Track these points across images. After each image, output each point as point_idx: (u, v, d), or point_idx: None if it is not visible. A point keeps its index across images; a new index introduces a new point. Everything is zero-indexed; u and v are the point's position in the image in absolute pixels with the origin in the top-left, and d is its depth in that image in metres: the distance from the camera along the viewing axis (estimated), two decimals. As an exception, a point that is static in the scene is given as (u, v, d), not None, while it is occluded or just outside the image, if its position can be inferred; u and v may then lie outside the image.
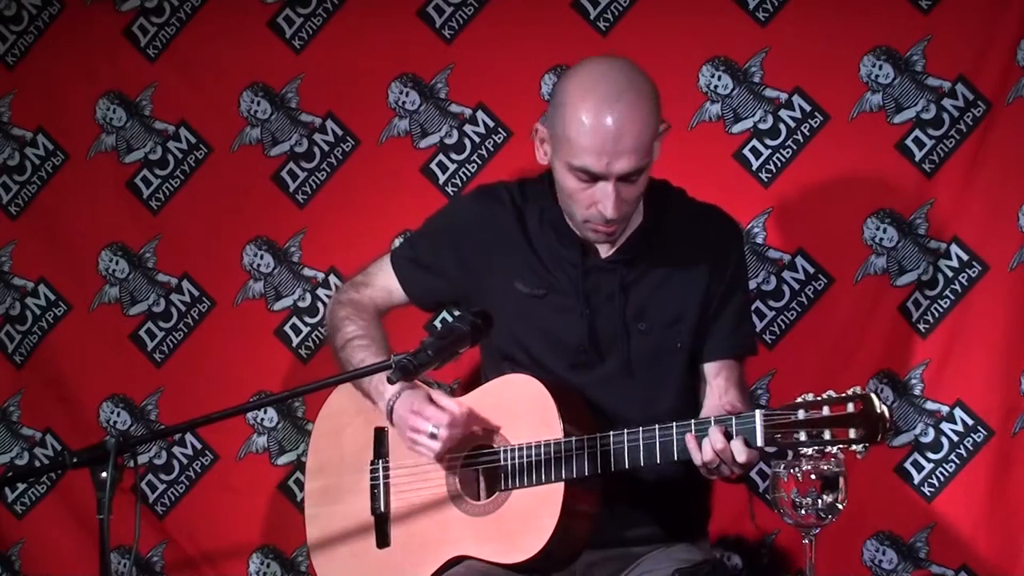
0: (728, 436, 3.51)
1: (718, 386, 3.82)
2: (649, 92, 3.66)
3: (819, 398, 3.43)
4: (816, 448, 3.41)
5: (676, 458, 3.58)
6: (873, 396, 3.40)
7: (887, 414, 3.39)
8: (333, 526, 3.93)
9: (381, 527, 3.88)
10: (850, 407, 3.40)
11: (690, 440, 3.54)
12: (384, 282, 4.00)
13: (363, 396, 3.88)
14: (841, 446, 3.40)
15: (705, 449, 3.53)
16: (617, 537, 3.80)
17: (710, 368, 3.84)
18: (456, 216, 3.97)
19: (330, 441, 3.98)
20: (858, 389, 3.41)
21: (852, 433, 3.39)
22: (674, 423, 3.58)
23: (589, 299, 3.79)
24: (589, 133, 3.62)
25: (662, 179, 3.84)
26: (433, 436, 3.73)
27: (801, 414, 3.43)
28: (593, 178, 3.66)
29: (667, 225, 3.81)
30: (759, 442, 3.48)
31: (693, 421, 3.57)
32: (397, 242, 4.52)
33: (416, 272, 3.97)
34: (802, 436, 3.42)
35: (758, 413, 3.50)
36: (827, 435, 3.40)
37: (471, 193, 4.00)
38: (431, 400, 3.75)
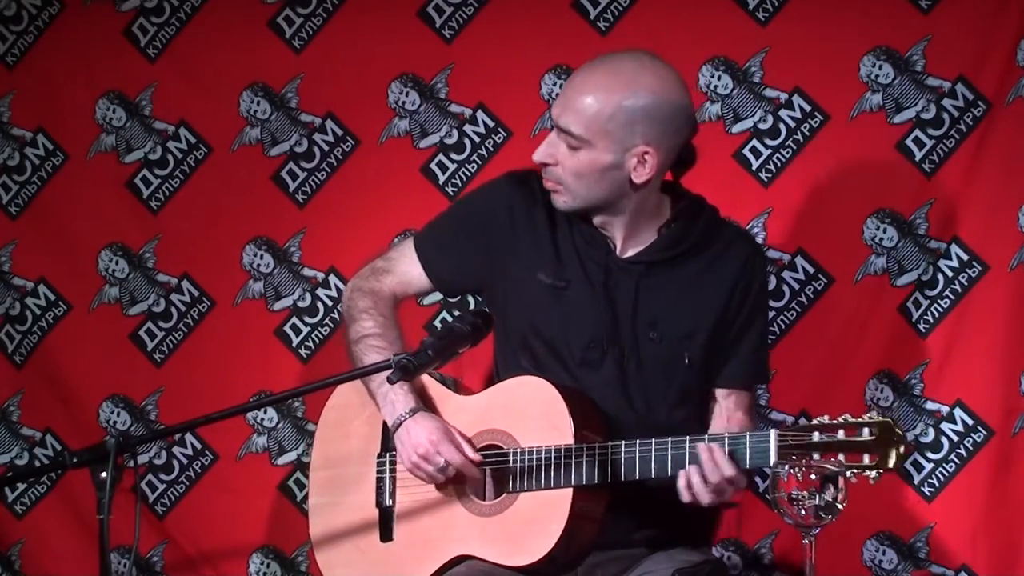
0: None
1: (727, 407, 3.82)
2: (638, 93, 3.65)
3: (835, 421, 3.44)
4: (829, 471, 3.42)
5: None
6: (891, 425, 3.40)
7: (903, 443, 3.39)
8: (337, 517, 3.92)
9: (385, 521, 3.87)
10: (866, 432, 3.40)
11: (682, 478, 3.55)
12: (406, 267, 3.96)
13: (368, 395, 3.87)
14: (855, 471, 3.40)
15: (701, 476, 3.54)
16: (621, 539, 3.79)
17: (722, 392, 3.83)
18: (486, 200, 3.93)
19: (337, 432, 3.96)
20: (875, 415, 3.42)
21: (866, 459, 3.40)
22: (687, 437, 3.58)
23: (605, 298, 3.78)
24: (570, 76, 3.77)
25: (698, 194, 3.84)
26: (442, 470, 3.74)
27: (816, 436, 3.44)
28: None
29: (693, 237, 3.80)
30: (772, 461, 3.48)
31: (706, 436, 3.57)
32: (396, 240, 4.53)
33: (441, 256, 3.94)
34: (815, 458, 3.42)
35: (773, 433, 3.50)
36: (841, 459, 3.40)
37: (502, 178, 3.95)
38: (449, 435, 3.75)
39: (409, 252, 3.97)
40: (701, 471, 3.55)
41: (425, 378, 3.87)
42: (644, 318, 3.77)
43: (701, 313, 3.78)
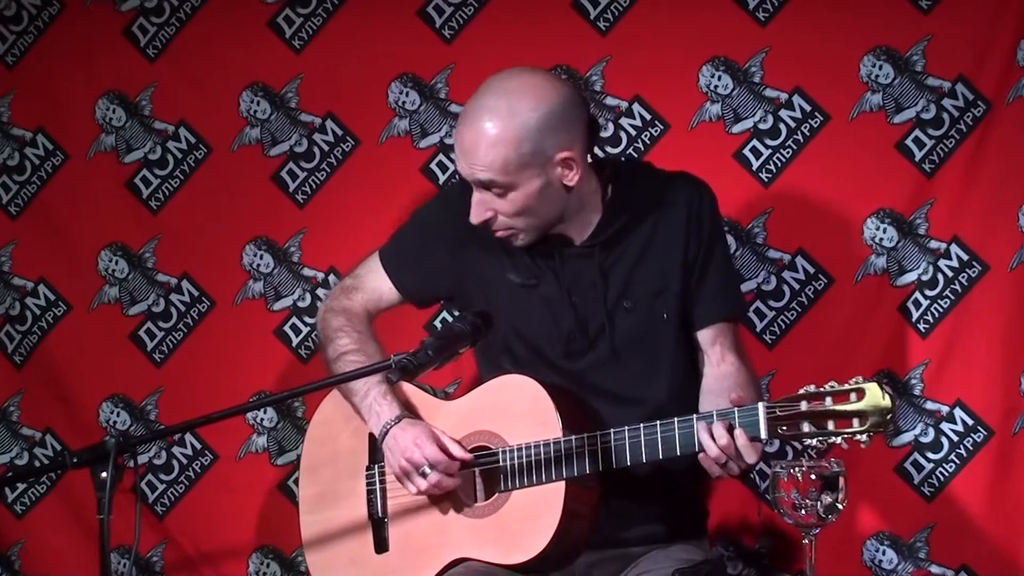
0: (731, 429, 3.52)
1: (715, 353, 3.82)
2: (525, 118, 3.65)
3: (821, 389, 3.44)
4: (820, 439, 3.42)
5: (679, 453, 3.58)
6: (875, 385, 3.41)
7: (890, 403, 3.40)
8: (329, 532, 3.92)
9: (379, 532, 3.87)
10: (853, 397, 3.41)
11: (703, 432, 3.54)
12: (375, 283, 3.98)
13: (352, 408, 3.88)
14: (845, 436, 3.40)
15: (708, 446, 3.53)
16: (616, 537, 3.79)
17: (704, 336, 3.83)
18: (444, 208, 3.95)
19: (323, 448, 3.97)
20: (860, 379, 3.42)
21: (856, 423, 3.40)
22: (675, 419, 3.58)
23: (572, 287, 3.79)
24: (456, 131, 3.75)
25: (626, 157, 3.85)
26: (424, 475, 3.75)
27: (804, 405, 3.44)
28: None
29: (636, 199, 3.81)
30: (763, 435, 3.48)
31: (695, 416, 3.57)
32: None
33: (407, 267, 3.96)
34: (805, 427, 3.43)
35: (761, 405, 3.50)
36: (831, 426, 3.41)
37: (457, 184, 3.97)
38: (435, 439, 3.75)
39: (376, 267, 3.99)
40: (712, 458, 3.55)
41: (407, 387, 3.88)
42: (614, 293, 3.79)
43: (665, 267, 3.79)
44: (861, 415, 3.40)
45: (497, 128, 3.66)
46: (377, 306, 4.00)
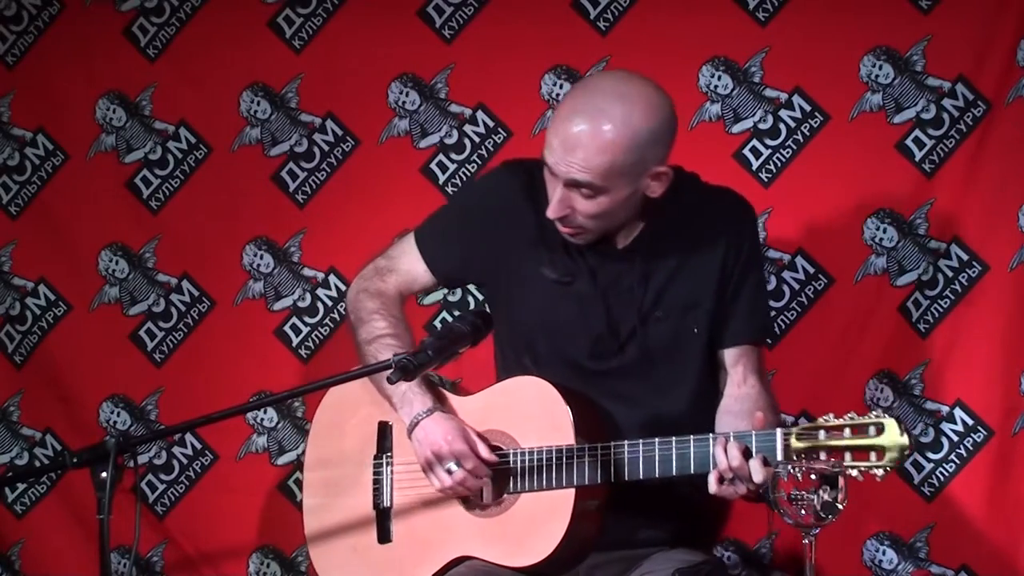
0: (747, 454, 3.51)
1: (737, 374, 3.80)
2: (639, 128, 3.60)
3: (841, 421, 3.45)
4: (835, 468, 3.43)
5: (692, 472, 3.58)
6: (895, 422, 3.42)
7: (908, 440, 3.41)
8: (333, 519, 3.91)
9: (383, 522, 3.86)
10: (872, 431, 3.42)
11: (718, 447, 3.53)
12: (409, 265, 3.95)
13: (378, 392, 3.84)
14: (862, 469, 3.41)
15: (719, 460, 3.53)
16: (622, 539, 3.78)
17: (729, 355, 3.81)
18: (485, 192, 3.93)
19: (331, 432, 3.95)
20: (880, 413, 3.43)
21: (873, 457, 3.41)
22: (691, 436, 3.58)
23: (608, 289, 3.78)
24: (554, 123, 3.65)
25: (675, 165, 3.84)
26: (450, 471, 3.73)
27: (822, 435, 3.45)
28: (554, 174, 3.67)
29: (681, 210, 3.79)
30: (779, 460, 3.48)
31: (711, 436, 3.57)
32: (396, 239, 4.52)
33: (443, 249, 3.92)
34: (822, 457, 3.43)
35: (778, 432, 3.50)
36: (848, 458, 3.42)
37: (500, 169, 3.94)
38: (465, 436, 3.74)
39: (411, 249, 3.95)
40: (718, 471, 3.55)
41: (424, 380, 3.86)
42: (649, 300, 3.77)
43: (701, 281, 3.78)
44: (879, 449, 3.42)
45: (609, 133, 3.60)
46: (410, 288, 3.98)
